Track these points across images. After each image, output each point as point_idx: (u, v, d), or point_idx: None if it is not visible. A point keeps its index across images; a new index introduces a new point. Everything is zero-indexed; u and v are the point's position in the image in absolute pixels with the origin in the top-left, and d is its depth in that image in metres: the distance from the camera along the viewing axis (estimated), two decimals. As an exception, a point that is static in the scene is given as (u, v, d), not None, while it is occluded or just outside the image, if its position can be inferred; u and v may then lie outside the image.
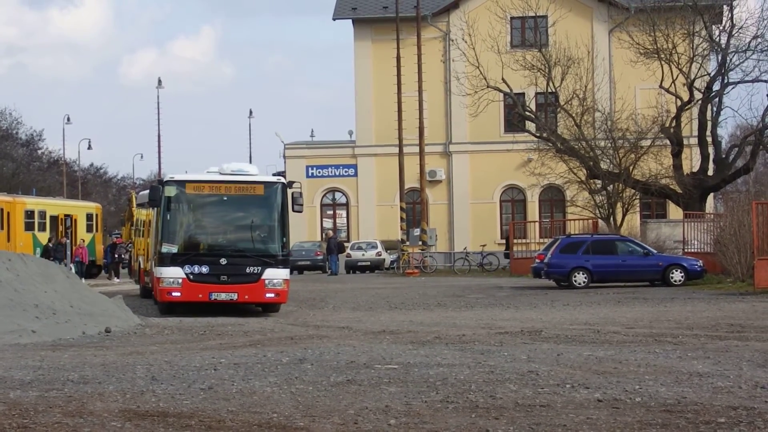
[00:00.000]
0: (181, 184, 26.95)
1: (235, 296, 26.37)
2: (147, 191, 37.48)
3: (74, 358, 16.86)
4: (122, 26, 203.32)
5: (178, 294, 26.30)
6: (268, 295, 26.47)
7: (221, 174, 27.25)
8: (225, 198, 27.27)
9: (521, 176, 60.85)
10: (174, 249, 26.45)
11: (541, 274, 38.98)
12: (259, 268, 26.32)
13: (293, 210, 27.21)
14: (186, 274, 26.19)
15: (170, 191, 26.63)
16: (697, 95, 49.55)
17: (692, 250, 42.64)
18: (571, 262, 37.51)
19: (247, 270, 26.32)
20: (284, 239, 26.85)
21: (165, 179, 27.57)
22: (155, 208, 27.93)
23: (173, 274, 26.27)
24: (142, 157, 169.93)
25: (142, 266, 35.31)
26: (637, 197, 52.75)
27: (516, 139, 57.98)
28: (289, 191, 27.09)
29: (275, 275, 26.42)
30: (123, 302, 25.85)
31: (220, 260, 26.38)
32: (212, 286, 26.24)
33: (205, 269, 26.26)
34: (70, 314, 22.11)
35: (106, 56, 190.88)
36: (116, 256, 51.37)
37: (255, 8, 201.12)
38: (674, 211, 55.51)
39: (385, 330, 21.80)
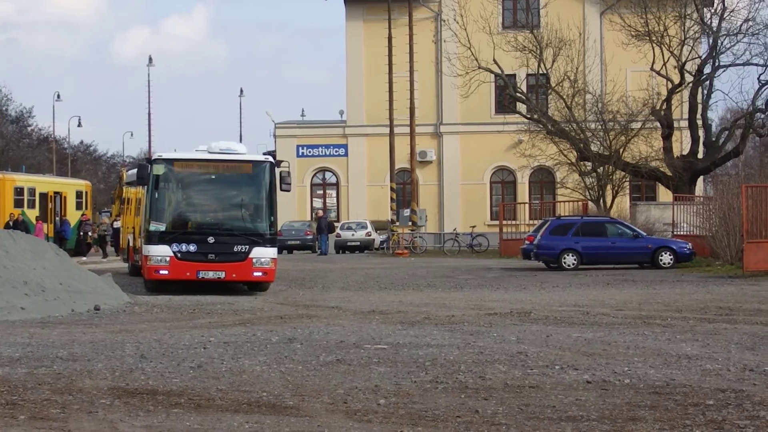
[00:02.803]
0: (170, 162, 26.86)
1: (222, 274, 26.32)
2: (135, 169, 37.46)
3: (63, 336, 16.85)
4: (116, 4, 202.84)
5: (166, 272, 26.23)
6: (255, 273, 26.42)
7: (209, 153, 27.15)
8: (213, 177, 27.25)
9: (512, 157, 60.88)
10: (162, 227, 26.36)
11: (530, 256, 39.01)
12: (247, 246, 26.25)
13: (281, 189, 27.13)
14: (174, 252, 26.13)
15: (158, 169, 26.51)
16: (688, 78, 49.61)
17: (681, 233, 42.69)
18: (561, 244, 37.54)
19: (235, 248, 26.24)
20: (272, 218, 26.76)
21: (153, 157, 27.43)
22: (143, 187, 27.75)
23: (161, 252, 26.20)
24: (132, 135, 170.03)
25: (131, 244, 35.25)
26: (627, 179, 52.86)
27: (507, 121, 57.95)
28: (278, 170, 27.03)
29: (263, 254, 26.37)
30: (112, 280, 25.84)
31: (208, 239, 26.31)
32: (200, 265, 26.19)
33: (192, 247, 26.20)
34: (59, 291, 22.10)
35: (99, 34, 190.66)
36: (81, 233, 51.24)
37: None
38: (664, 194, 55.60)
39: (374, 310, 21.81)
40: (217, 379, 12.50)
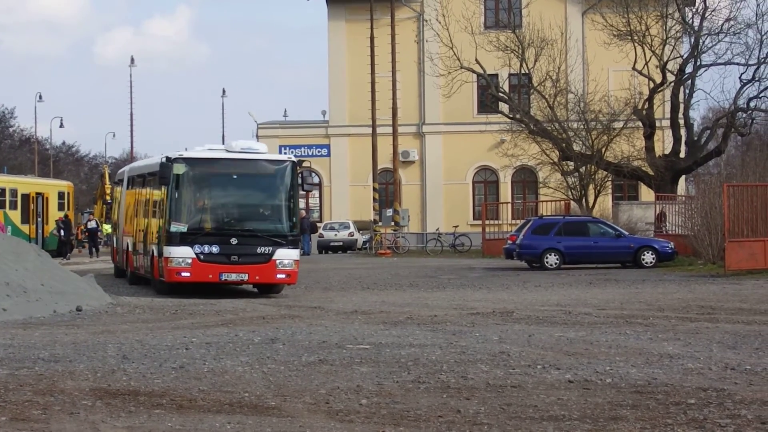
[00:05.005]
0: (191, 161, 25.83)
1: (245, 276, 25.63)
2: (122, 169, 37.25)
3: (45, 337, 16.81)
4: (99, 5, 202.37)
5: (188, 274, 25.32)
6: (279, 275, 25.68)
7: (228, 152, 26.31)
8: (235, 176, 26.36)
9: (494, 157, 60.95)
10: (183, 228, 25.37)
11: (513, 256, 39.05)
12: (271, 248, 25.46)
13: (303, 189, 26.55)
14: (196, 254, 25.23)
15: (179, 169, 25.46)
16: (670, 77, 49.70)
17: (664, 232, 42.80)
18: (543, 244, 37.59)
19: (258, 250, 25.43)
20: (294, 219, 26.05)
21: (174, 157, 25.93)
22: (163, 187, 26.16)
23: (182, 253, 25.29)
24: (114, 135, 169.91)
25: (115, 245, 35.17)
26: (610, 179, 52.94)
27: (489, 120, 57.98)
28: (299, 170, 26.31)
29: (286, 256, 25.62)
30: (94, 281, 25.71)
31: (231, 240, 25.43)
32: (223, 267, 25.32)
33: (215, 249, 25.28)
34: (41, 293, 22.01)
35: (82, 34, 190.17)
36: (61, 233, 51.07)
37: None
38: (646, 193, 55.72)
39: (357, 310, 21.81)
40: (199, 379, 12.49)
